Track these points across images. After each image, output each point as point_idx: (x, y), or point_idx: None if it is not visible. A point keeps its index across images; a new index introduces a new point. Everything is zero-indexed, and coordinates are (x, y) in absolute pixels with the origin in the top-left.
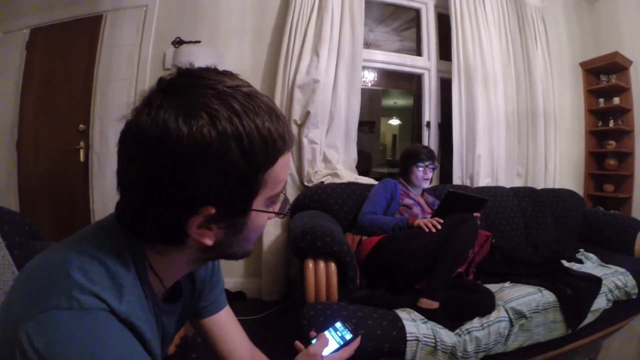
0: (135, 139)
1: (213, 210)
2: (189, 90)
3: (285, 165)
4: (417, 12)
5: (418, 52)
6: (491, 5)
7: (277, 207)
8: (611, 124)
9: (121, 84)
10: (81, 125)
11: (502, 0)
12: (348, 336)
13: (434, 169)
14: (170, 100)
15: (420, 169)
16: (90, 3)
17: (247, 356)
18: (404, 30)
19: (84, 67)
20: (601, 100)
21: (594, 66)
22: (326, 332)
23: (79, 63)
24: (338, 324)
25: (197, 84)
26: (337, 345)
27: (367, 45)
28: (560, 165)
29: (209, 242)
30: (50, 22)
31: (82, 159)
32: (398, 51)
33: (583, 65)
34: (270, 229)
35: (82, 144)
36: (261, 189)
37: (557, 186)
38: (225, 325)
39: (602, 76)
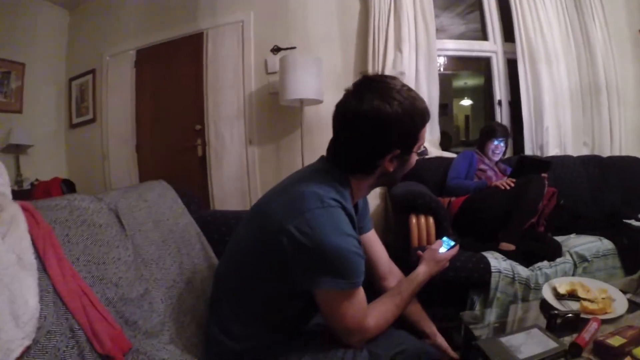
0: (355, 115)
1: (398, 151)
2: (382, 89)
3: (426, 129)
4: None
5: (484, 36)
6: None
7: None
8: None
9: (229, 90)
10: (197, 126)
11: None
12: (452, 243)
13: (506, 145)
14: (374, 94)
15: (495, 143)
16: (189, 24)
17: (386, 265)
18: (468, 13)
19: (193, 77)
20: None
21: None
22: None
23: (188, 74)
24: (445, 237)
25: (385, 86)
26: (446, 249)
27: (435, 30)
28: (626, 134)
29: (391, 168)
30: (154, 42)
31: (200, 153)
32: (464, 34)
33: None
34: (370, 199)
35: (199, 141)
36: (418, 141)
37: (624, 154)
38: (373, 241)
39: None
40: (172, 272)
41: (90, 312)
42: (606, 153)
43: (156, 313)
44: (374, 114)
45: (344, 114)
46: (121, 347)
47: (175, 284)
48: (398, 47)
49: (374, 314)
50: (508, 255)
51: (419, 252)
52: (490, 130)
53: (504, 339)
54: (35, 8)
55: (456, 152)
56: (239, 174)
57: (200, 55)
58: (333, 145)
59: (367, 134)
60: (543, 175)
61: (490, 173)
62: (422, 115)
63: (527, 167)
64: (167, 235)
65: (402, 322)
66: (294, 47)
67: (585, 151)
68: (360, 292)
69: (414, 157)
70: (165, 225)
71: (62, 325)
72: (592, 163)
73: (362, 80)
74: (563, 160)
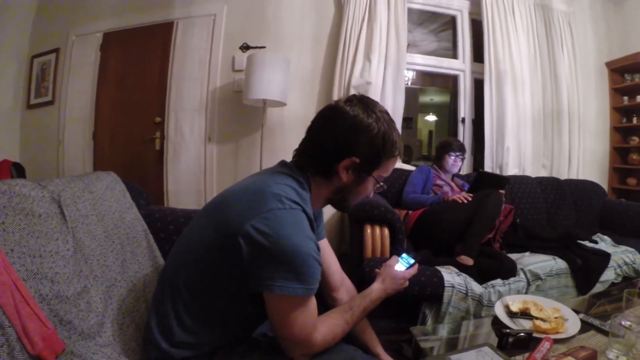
0: (336, 111)
1: (358, 161)
2: (368, 105)
3: (393, 164)
4: (453, 18)
5: (454, 55)
6: (520, 13)
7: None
8: (635, 120)
9: (194, 82)
10: (157, 118)
11: (531, 8)
12: (411, 261)
13: (462, 159)
14: (360, 106)
15: (452, 157)
16: (162, 11)
17: (338, 276)
18: (440, 32)
19: (158, 66)
20: (625, 98)
21: (618, 66)
22: (396, 256)
23: (153, 63)
24: (404, 254)
25: (371, 104)
26: (405, 267)
27: (407, 45)
28: (584, 159)
29: (345, 178)
30: (122, 27)
31: (157, 147)
32: (435, 51)
33: (608, 65)
34: (327, 209)
35: (157, 134)
36: (379, 168)
37: (580, 178)
38: (325, 250)
39: (626, 75)
40: (114, 270)
41: (22, 309)
42: (563, 176)
43: (94, 313)
44: (352, 116)
45: (327, 108)
46: (54, 348)
47: (116, 283)
48: (367, 57)
49: (322, 329)
50: (464, 269)
51: (377, 269)
52: (447, 144)
53: (454, 357)
54: None
55: (416, 166)
56: (195, 171)
57: (168, 45)
58: (303, 140)
59: (338, 129)
60: (501, 191)
61: (446, 189)
62: (392, 144)
63: (486, 181)
64: (112, 230)
65: (348, 336)
66: (264, 47)
67: (543, 173)
68: (313, 301)
69: (371, 184)
70: (110, 219)
71: None
72: (549, 185)
73: (354, 95)
74: (521, 180)
